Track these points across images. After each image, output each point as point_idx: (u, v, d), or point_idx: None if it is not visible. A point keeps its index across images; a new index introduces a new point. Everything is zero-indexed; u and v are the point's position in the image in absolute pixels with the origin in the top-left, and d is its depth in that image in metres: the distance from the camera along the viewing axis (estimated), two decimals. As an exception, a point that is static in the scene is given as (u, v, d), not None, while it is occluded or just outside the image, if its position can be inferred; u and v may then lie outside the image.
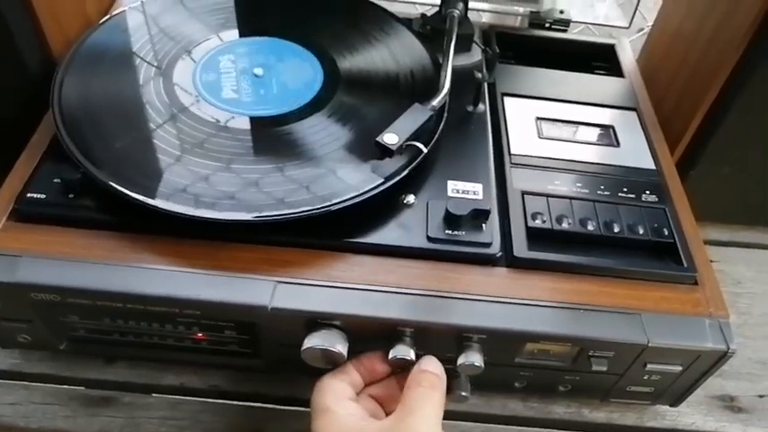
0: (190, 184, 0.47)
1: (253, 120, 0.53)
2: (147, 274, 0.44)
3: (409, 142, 0.49)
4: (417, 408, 0.41)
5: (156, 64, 0.56)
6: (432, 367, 0.44)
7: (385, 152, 0.48)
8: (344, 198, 0.46)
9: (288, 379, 0.54)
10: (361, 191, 0.47)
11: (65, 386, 0.53)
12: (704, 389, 0.52)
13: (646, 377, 0.48)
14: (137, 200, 0.45)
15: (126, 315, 0.46)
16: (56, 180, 0.48)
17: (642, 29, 0.85)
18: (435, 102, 0.52)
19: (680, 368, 0.47)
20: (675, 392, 0.51)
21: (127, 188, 0.45)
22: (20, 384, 0.52)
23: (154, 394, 0.53)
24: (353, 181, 0.48)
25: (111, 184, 0.46)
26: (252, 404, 0.53)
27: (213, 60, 0.57)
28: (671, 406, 0.53)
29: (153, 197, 0.45)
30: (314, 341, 0.44)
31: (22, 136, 0.52)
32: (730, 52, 0.56)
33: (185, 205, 0.45)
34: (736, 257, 0.67)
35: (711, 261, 0.50)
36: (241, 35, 0.61)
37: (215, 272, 0.45)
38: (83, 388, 0.53)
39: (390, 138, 0.48)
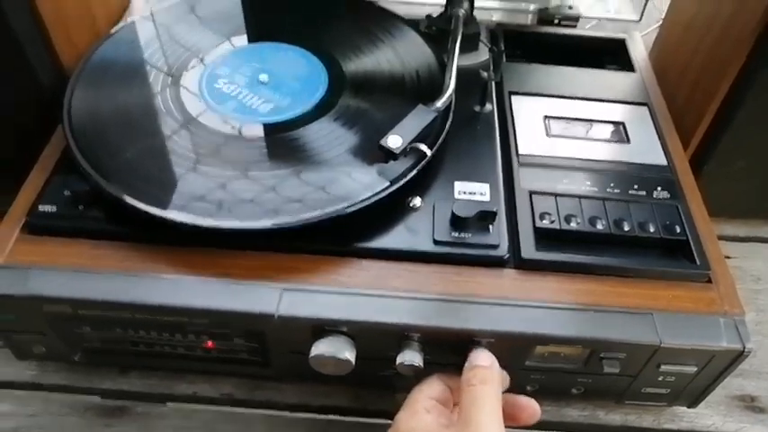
0: (200, 193, 0.47)
1: (259, 127, 0.53)
2: (155, 284, 0.45)
3: (413, 144, 0.49)
4: (475, 410, 0.40)
5: (163, 74, 0.57)
6: (480, 360, 0.43)
7: (389, 155, 0.48)
8: (354, 202, 0.46)
9: (300, 386, 0.54)
10: (367, 195, 0.47)
11: (81, 396, 0.53)
12: (723, 389, 0.51)
13: (660, 378, 0.47)
14: (145, 211, 0.45)
15: (136, 325, 0.47)
16: (66, 192, 0.48)
17: (658, 21, 0.83)
18: (439, 103, 0.51)
19: (695, 369, 0.46)
20: (692, 393, 0.50)
21: (136, 199, 0.46)
22: (38, 395, 0.53)
23: (168, 403, 0.53)
24: (360, 185, 0.48)
25: (119, 195, 0.46)
26: (265, 411, 0.53)
27: (219, 69, 0.57)
28: (688, 407, 0.52)
29: (162, 207, 0.46)
30: (321, 349, 0.44)
31: (36, 149, 0.53)
32: (743, 43, 0.54)
33: (197, 215, 0.45)
34: (754, 253, 0.65)
35: (729, 258, 0.49)
36: (249, 41, 0.61)
37: (222, 280, 0.45)
38: (98, 398, 0.53)
39: (394, 140, 0.48)
